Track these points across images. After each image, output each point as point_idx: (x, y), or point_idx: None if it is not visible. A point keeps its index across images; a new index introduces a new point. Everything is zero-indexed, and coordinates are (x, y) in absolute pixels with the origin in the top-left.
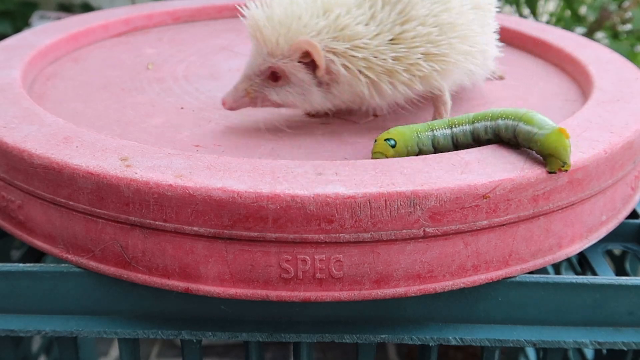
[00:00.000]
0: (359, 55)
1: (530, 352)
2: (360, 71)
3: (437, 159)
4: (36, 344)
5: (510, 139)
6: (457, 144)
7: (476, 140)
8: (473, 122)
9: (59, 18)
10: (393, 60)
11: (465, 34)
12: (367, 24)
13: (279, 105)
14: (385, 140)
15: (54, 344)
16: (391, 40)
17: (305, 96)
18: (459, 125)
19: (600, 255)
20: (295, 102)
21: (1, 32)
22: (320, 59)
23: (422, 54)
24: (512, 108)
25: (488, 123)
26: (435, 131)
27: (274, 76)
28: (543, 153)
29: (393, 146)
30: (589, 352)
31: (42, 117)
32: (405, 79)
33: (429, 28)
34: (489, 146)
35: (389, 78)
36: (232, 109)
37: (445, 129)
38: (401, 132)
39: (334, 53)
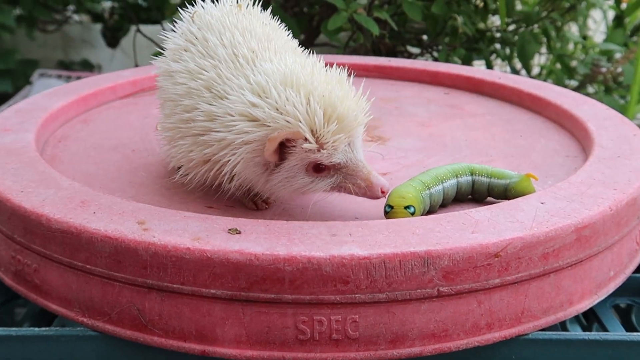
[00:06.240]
0: None
1: None
2: None
3: (447, 219)
4: None
5: (482, 193)
6: (445, 199)
7: (459, 194)
8: (456, 177)
9: (59, 76)
10: None
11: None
12: None
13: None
14: (405, 208)
15: None
16: None
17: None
18: (446, 180)
19: (609, 309)
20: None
21: (2, 91)
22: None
23: None
24: (479, 165)
25: (469, 178)
26: (430, 189)
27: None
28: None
29: (412, 213)
30: None
31: (58, 180)
32: None
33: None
34: (498, 204)
35: None
36: None
37: (438, 185)
38: (416, 197)
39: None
